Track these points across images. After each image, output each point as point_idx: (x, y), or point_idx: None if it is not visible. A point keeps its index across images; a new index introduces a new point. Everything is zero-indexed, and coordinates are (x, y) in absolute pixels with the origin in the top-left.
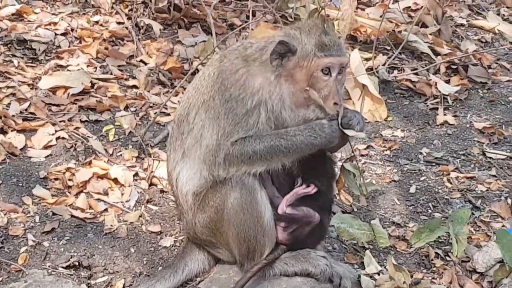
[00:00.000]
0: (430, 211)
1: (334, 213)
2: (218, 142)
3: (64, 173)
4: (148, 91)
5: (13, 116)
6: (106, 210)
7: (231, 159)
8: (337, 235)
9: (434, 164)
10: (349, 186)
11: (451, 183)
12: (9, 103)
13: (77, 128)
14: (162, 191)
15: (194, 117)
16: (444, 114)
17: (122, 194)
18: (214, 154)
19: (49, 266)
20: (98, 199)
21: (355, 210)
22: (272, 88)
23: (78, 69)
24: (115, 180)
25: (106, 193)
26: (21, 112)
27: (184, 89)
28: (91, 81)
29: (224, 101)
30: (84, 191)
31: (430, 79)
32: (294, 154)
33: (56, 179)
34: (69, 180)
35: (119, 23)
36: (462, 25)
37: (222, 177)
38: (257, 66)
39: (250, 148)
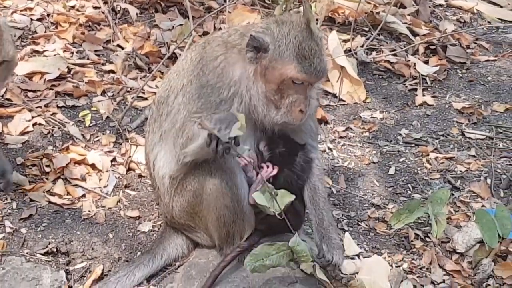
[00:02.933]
0: (409, 192)
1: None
2: (185, 122)
3: (41, 159)
4: (125, 76)
5: None
6: (84, 196)
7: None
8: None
9: (413, 145)
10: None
11: (430, 164)
12: None
13: (54, 114)
14: (140, 176)
15: (173, 100)
16: (423, 95)
17: (100, 180)
18: (178, 133)
19: (27, 253)
20: (76, 185)
21: (334, 192)
22: (250, 82)
23: (55, 55)
24: (93, 166)
25: (83, 179)
26: None
27: (162, 73)
28: (67, 67)
29: (199, 86)
30: (61, 177)
31: (409, 60)
32: None
33: (33, 165)
34: (47, 166)
35: (95, 7)
36: (440, 5)
37: (186, 164)
38: (236, 53)
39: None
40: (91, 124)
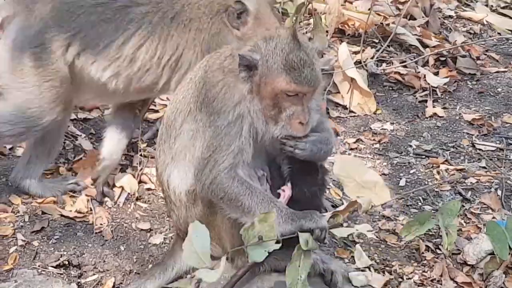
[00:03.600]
0: (420, 204)
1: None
2: (205, 155)
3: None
4: None
5: None
6: (95, 208)
7: (215, 186)
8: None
9: (423, 156)
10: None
11: (441, 176)
12: None
13: None
14: (151, 188)
15: (181, 123)
16: (433, 106)
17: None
18: (200, 167)
19: (39, 266)
20: (88, 198)
21: (345, 204)
22: (248, 102)
23: None
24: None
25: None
26: None
27: None
28: None
29: (209, 114)
30: (75, 191)
31: (419, 72)
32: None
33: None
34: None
35: None
36: (450, 16)
37: (200, 194)
38: (232, 77)
39: (237, 190)
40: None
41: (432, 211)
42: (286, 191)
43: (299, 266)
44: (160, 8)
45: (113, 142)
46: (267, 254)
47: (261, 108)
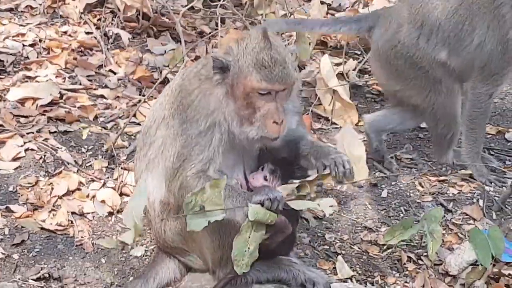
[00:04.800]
0: (402, 215)
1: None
2: (175, 166)
3: (33, 185)
4: (118, 101)
5: None
6: (76, 221)
7: (183, 190)
8: (309, 241)
9: (405, 168)
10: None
11: (422, 187)
12: None
13: (46, 139)
14: None
15: (155, 131)
16: None
17: (92, 205)
18: (170, 177)
19: (19, 279)
20: (69, 211)
21: (327, 215)
22: (224, 106)
23: (47, 80)
24: (84, 191)
25: (77, 205)
26: None
27: (154, 98)
28: (60, 92)
29: (182, 122)
30: (56, 204)
31: None
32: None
33: (25, 191)
34: (42, 191)
35: (87, 33)
36: None
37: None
38: (208, 83)
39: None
40: (83, 150)
41: (415, 221)
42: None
43: (248, 237)
44: None
45: None
46: (207, 224)
47: (236, 109)
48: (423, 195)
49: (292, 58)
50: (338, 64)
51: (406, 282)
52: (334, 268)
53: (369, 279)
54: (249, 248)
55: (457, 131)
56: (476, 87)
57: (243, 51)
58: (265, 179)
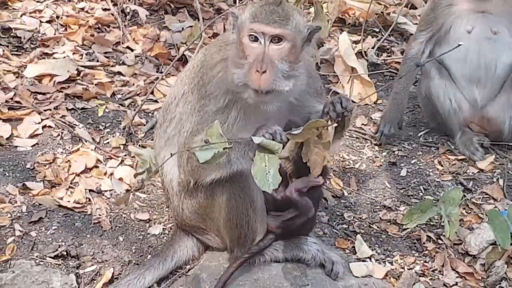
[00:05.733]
0: (421, 194)
1: (327, 200)
2: (187, 141)
3: (50, 163)
4: (135, 78)
5: None
6: (93, 198)
7: (191, 159)
8: (328, 220)
9: (425, 146)
10: None
11: (442, 166)
12: None
13: (63, 116)
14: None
15: (175, 107)
16: None
17: (110, 182)
18: (181, 153)
19: (36, 256)
20: (87, 188)
21: (346, 194)
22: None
23: (64, 57)
24: (102, 168)
25: (96, 184)
26: (6, 101)
27: (172, 75)
28: (77, 69)
29: (200, 98)
30: (73, 181)
31: None
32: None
33: (43, 169)
34: (59, 168)
35: (104, 9)
36: None
37: (193, 184)
38: (228, 50)
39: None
40: (100, 127)
41: (434, 201)
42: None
43: (265, 166)
44: None
45: None
46: (214, 153)
47: (234, 56)
48: (442, 174)
49: (300, 19)
50: (356, 42)
51: (425, 261)
52: (353, 247)
53: (388, 258)
54: (269, 171)
55: None
56: None
57: (251, 5)
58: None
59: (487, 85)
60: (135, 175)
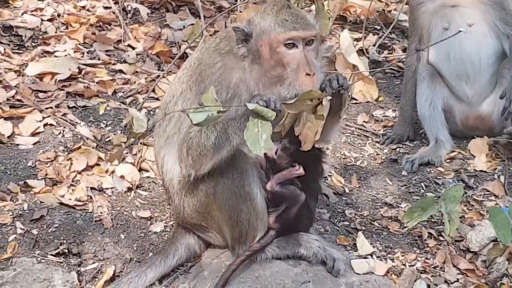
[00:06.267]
0: (422, 191)
1: (328, 197)
2: (190, 136)
3: (52, 161)
4: (137, 76)
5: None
6: (95, 196)
7: (190, 150)
8: (329, 217)
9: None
10: None
11: (443, 163)
12: None
13: (64, 114)
14: (151, 176)
15: (173, 106)
16: None
17: (112, 180)
18: (181, 147)
19: (38, 254)
20: (88, 186)
21: (347, 191)
22: (248, 76)
23: (65, 55)
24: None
25: (97, 180)
26: (7, 99)
27: (174, 73)
28: (78, 67)
29: (199, 93)
30: (75, 179)
31: None
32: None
33: (44, 167)
34: (61, 166)
35: (106, 7)
36: None
37: (194, 176)
38: (232, 58)
39: (204, 135)
40: (102, 125)
41: (435, 198)
42: (300, 169)
43: (257, 131)
44: None
45: None
46: (206, 116)
47: (263, 73)
48: (443, 171)
49: (312, 17)
50: (357, 40)
51: (427, 258)
52: (354, 244)
53: (389, 255)
54: (261, 136)
55: None
56: None
57: (262, 15)
58: (276, 153)
59: (476, 80)
60: (129, 136)
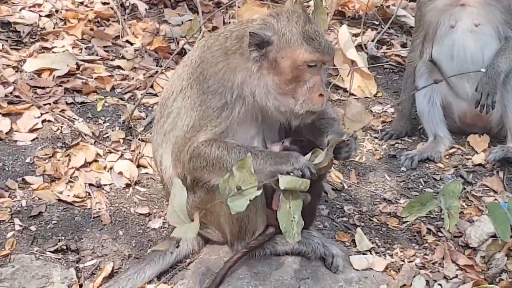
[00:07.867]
0: (421, 186)
1: (327, 193)
2: (187, 135)
3: (50, 157)
4: (135, 72)
5: None
6: (93, 193)
7: (195, 158)
8: (328, 213)
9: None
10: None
11: (442, 158)
12: None
13: (63, 110)
14: (149, 173)
15: (172, 103)
16: None
17: (110, 177)
18: (180, 146)
19: (36, 251)
20: (86, 182)
21: (346, 187)
22: (256, 80)
23: (63, 51)
24: (102, 163)
25: (94, 176)
26: (6, 96)
27: (172, 69)
28: (76, 63)
29: (201, 92)
30: (73, 175)
31: None
32: (258, 174)
33: (42, 163)
34: (59, 163)
35: (104, 3)
36: None
37: (190, 180)
38: (237, 58)
39: (216, 153)
40: (100, 121)
41: (434, 194)
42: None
43: (289, 208)
44: None
45: None
46: (248, 202)
47: (276, 84)
48: (442, 167)
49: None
50: (356, 35)
51: (425, 254)
52: (353, 240)
53: (388, 251)
54: (294, 217)
55: None
56: None
57: (286, 25)
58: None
59: (477, 79)
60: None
